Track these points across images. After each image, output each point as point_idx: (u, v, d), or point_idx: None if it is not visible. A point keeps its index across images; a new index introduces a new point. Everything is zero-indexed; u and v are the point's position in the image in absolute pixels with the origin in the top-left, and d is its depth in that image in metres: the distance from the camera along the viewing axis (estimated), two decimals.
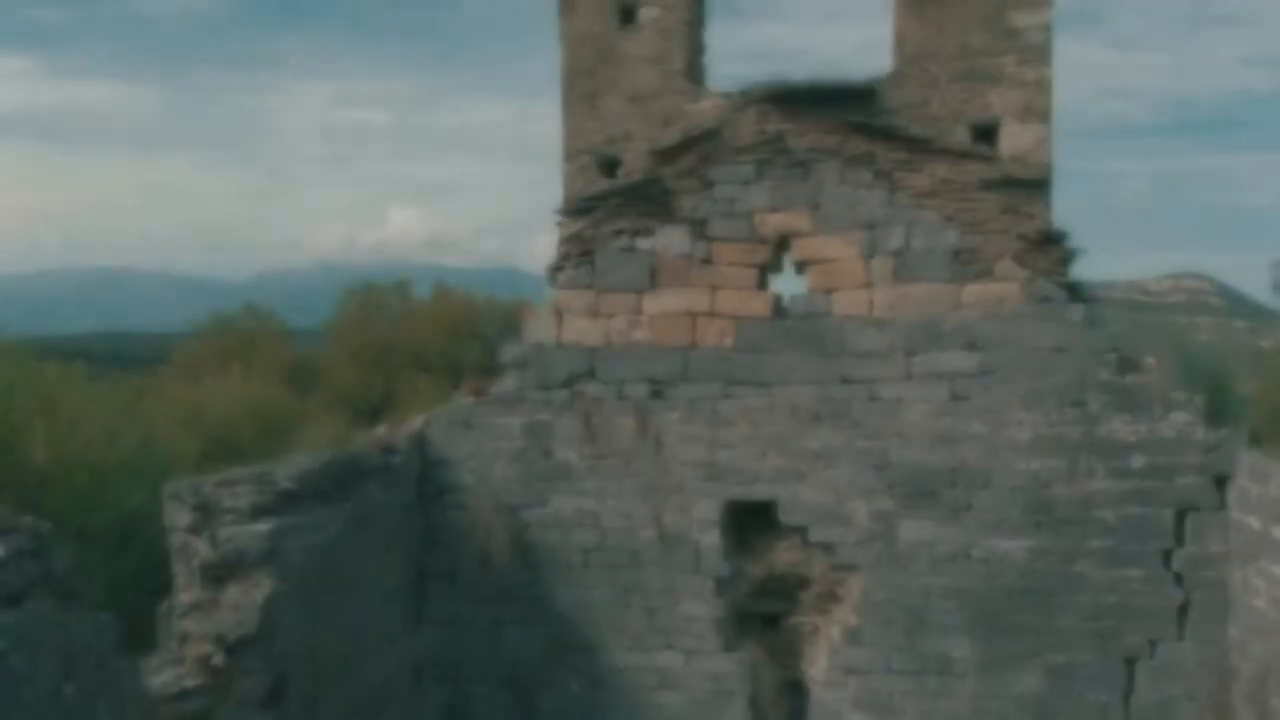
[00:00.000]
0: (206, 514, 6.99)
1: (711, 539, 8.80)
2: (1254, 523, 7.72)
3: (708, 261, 8.88)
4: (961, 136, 8.47)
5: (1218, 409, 8.72)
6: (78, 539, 8.04)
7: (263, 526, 6.87)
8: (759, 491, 8.75)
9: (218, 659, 6.56)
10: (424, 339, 24.62)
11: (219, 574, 6.89)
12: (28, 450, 7.84)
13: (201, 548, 6.93)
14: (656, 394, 8.94)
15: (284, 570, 6.93)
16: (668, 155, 8.83)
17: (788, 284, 9.01)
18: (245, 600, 6.80)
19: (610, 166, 9.04)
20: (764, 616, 8.97)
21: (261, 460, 14.06)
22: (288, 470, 7.54)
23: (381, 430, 9.51)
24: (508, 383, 9.29)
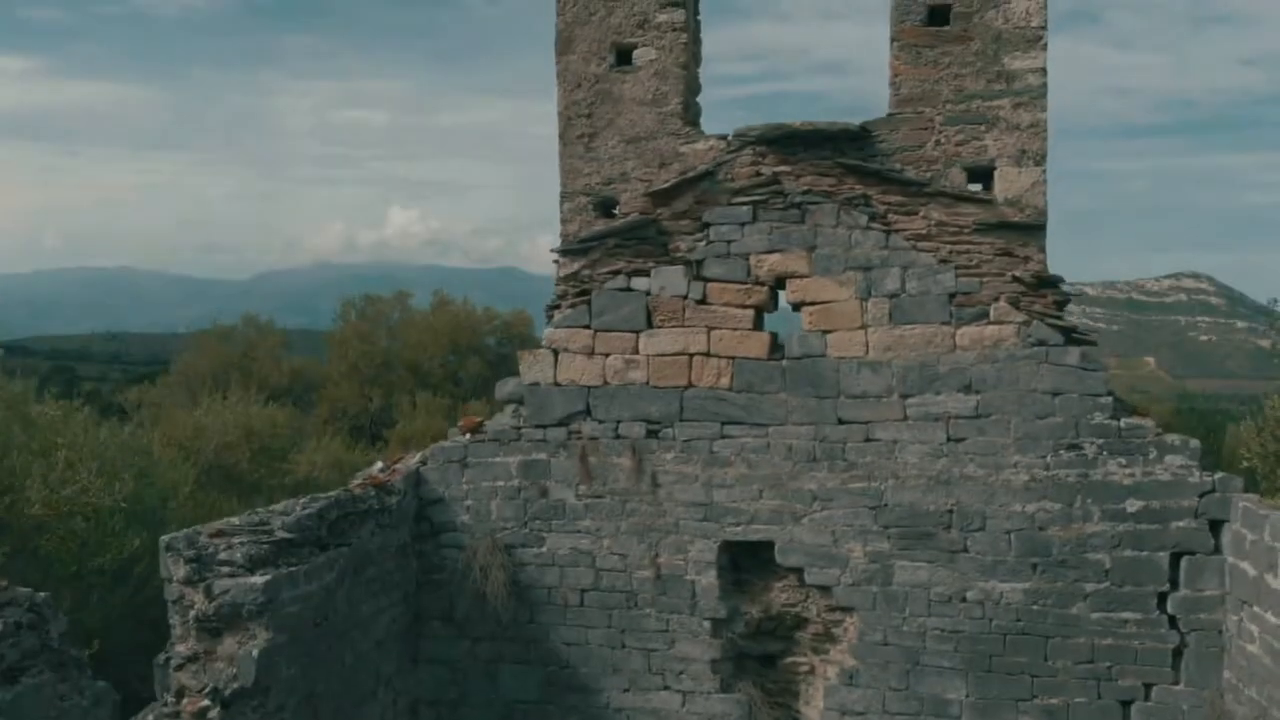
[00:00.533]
0: (202, 565, 7.00)
1: (708, 579, 8.82)
2: (1248, 568, 7.74)
3: (704, 302, 8.89)
4: (957, 179, 8.48)
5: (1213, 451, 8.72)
6: (75, 583, 8.08)
7: (258, 579, 6.87)
8: (755, 532, 8.77)
9: (214, 714, 6.58)
10: (423, 351, 24.65)
11: (215, 626, 6.90)
12: (26, 496, 7.86)
13: (197, 600, 6.94)
14: (653, 434, 8.96)
15: (280, 622, 6.95)
16: (664, 197, 8.84)
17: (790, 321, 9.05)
18: (241, 653, 6.81)
19: (607, 207, 9.05)
20: (760, 657, 8.99)
21: (258, 486, 14.11)
22: (284, 518, 7.54)
23: (377, 467, 9.52)
24: (504, 419, 9.31)
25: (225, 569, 7.00)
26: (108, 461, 8.62)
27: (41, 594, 5.24)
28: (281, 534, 7.38)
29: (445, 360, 24.95)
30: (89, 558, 7.96)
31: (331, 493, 8.37)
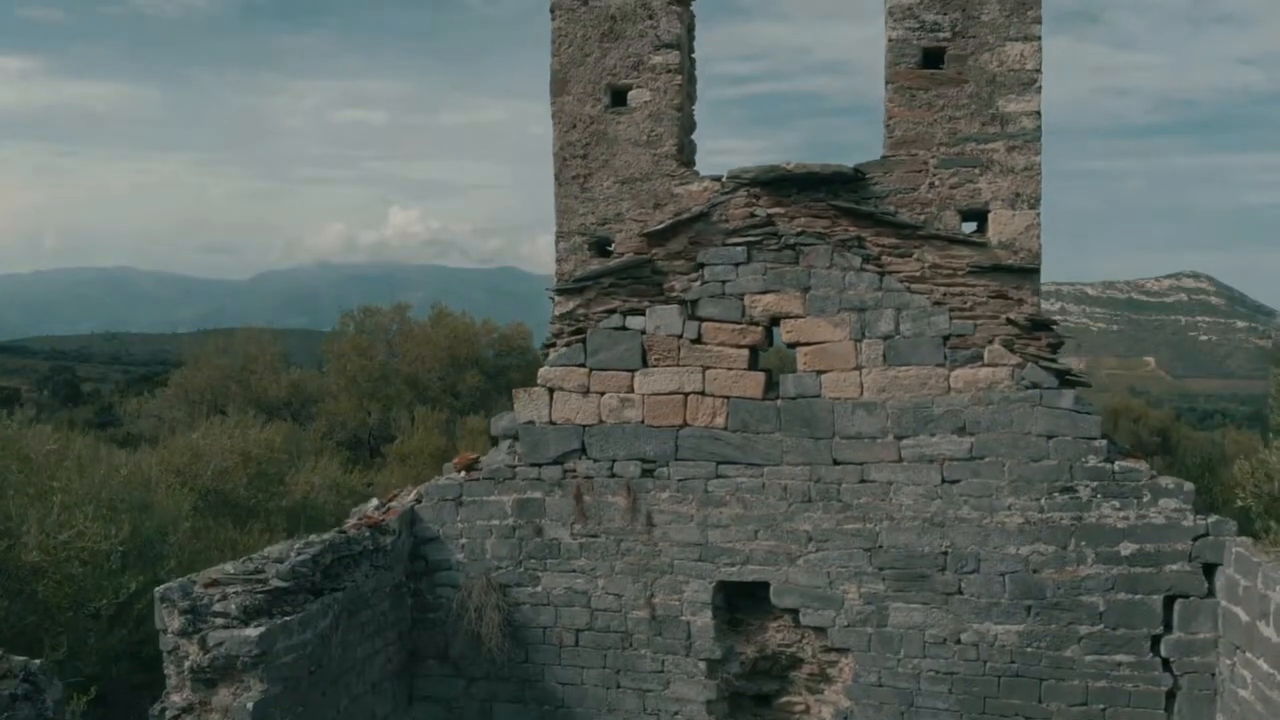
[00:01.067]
0: (197, 616, 7.03)
1: (703, 620, 8.84)
2: (1241, 614, 7.75)
3: (699, 341, 8.90)
4: (951, 222, 8.49)
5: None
6: (73, 627, 8.09)
7: (252, 631, 6.89)
8: (750, 573, 8.78)
9: None
10: (422, 364, 24.64)
11: (210, 678, 6.93)
12: (23, 541, 7.87)
13: (192, 651, 6.96)
14: (648, 473, 8.97)
15: (274, 672, 6.97)
16: (659, 237, 8.86)
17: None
18: (236, 704, 6.84)
19: (602, 246, 9.06)
20: (756, 696, 9.00)
21: (255, 511, 14.11)
22: (278, 566, 7.56)
23: (372, 505, 9.54)
24: (499, 456, 9.32)
25: (220, 620, 7.02)
26: (104, 502, 8.63)
27: (37, 661, 5.24)
28: (276, 582, 7.40)
29: (444, 373, 24.94)
30: (86, 602, 7.97)
31: (326, 535, 8.38)
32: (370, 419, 23.69)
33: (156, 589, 7.11)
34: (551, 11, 8.91)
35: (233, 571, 7.46)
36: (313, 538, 8.32)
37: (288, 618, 7.21)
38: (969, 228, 8.64)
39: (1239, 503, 9.09)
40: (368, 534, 8.69)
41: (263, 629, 6.93)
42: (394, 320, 26.82)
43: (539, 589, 9.09)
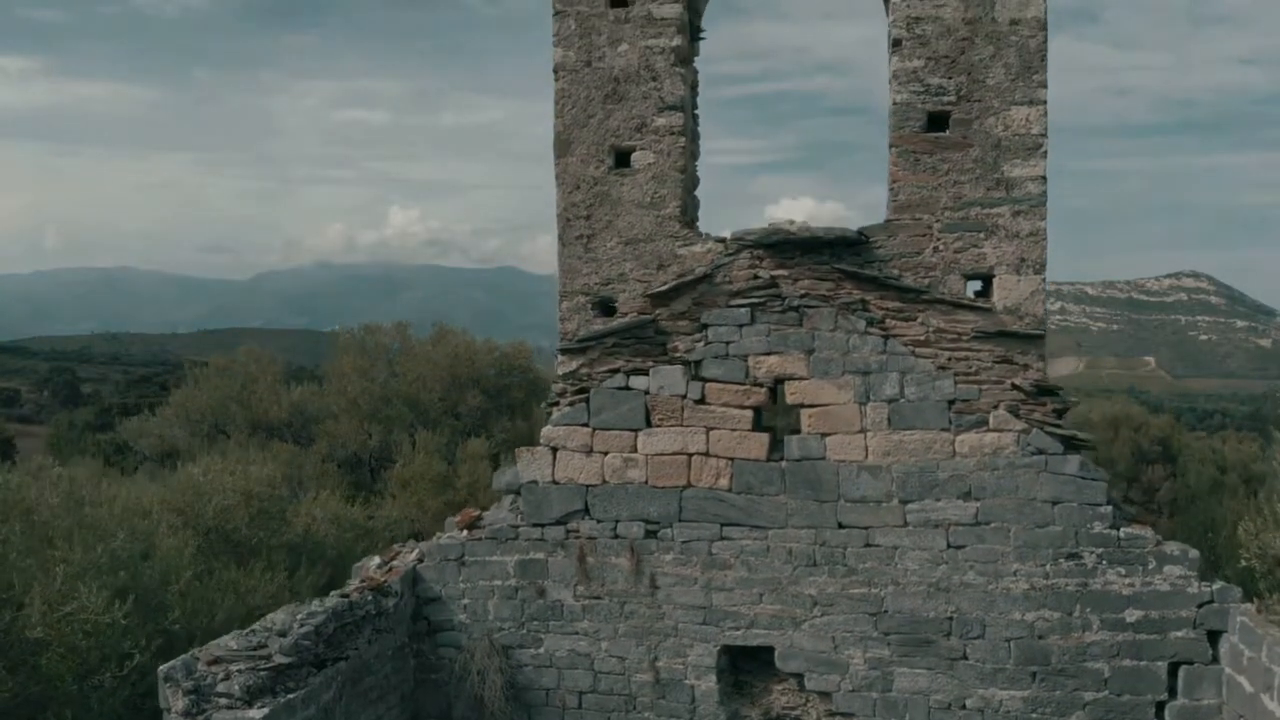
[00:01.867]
0: (200, 697, 6.98)
1: (707, 684, 8.81)
2: (1245, 684, 7.74)
3: (703, 402, 8.87)
4: (955, 286, 8.46)
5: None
6: (77, 700, 8.05)
7: (256, 714, 6.85)
8: (755, 637, 8.76)
9: None
10: (422, 385, 24.58)
11: None
12: (26, 614, 7.84)
13: None
14: (651, 534, 8.93)
15: None
16: (662, 298, 8.82)
17: None
18: None
19: (606, 306, 9.03)
20: None
21: (257, 549, 14.06)
22: (281, 640, 7.52)
23: (375, 564, 9.50)
24: (501, 514, 9.28)
25: (224, 700, 6.98)
26: (106, 569, 8.59)
27: None
28: (279, 658, 7.36)
29: (444, 393, 24.89)
30: (89, 674, 7.94)
31: (329, 602, 8.34)
32: (371, 441, 23.66)
33: (160, 668, 7.07)
34: (555, 73, 8.87)
35: (235, 648, 7.43)
36: (315, 606, 8.28)
37: (291, 695, 7.17)
38: (974, 286, 8.62)
39: (1242, 562, 9.07)
40: (370, 598, 8.66)
41: (266, 710, 6.89)
42: (395, 339, 26.79)
43: (542, 650, 9.06)
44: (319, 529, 15.73)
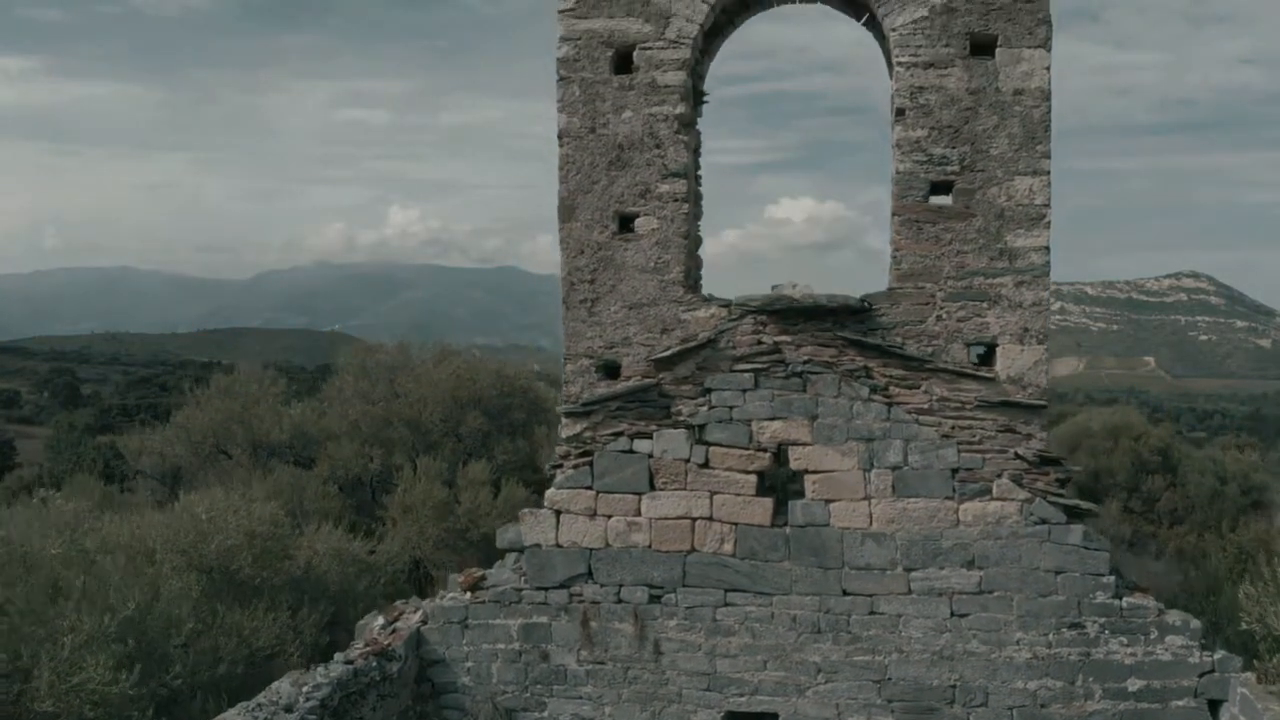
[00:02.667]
0: None
1: None
2: None
3: (706, 466, 8.88)
4: (959, 354, 8.47)
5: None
6: None
7: None
8: (759, 703, 8.76)
9: None
10: (424, 406, 24.58)
11: None
12: (34, 686, 7.85)
13: None
14: (655, 599, 8.94)
15: None
16: (666, 363, 8.83)
17: None
18: None
19: (610, 370, 9.03)
20: None
21: (259, 589, 14.06)
22: (288, 716, 7.54)
23: (378, 625, 9.50)
24: (504, 574, 9.28)
25: None
26: (114, 636, 8.59)
27: None
28: None
29: (446, 415, 24.89)
30: None
31: (334, 672, 8.34)
32: (373, 465, 23.67)
33: None
34: (560, 139, 8.87)
35: None
36: (320, 675, 8.28)
37: None
38: (977, 350, 8.63)
39: (1243, 625, 9.10)
40: (374, 664, 8.66)
41: None
42: (396, 357, 26.79)
43: (545, 715, 9.07)
44: (321, 564, 15.74)
